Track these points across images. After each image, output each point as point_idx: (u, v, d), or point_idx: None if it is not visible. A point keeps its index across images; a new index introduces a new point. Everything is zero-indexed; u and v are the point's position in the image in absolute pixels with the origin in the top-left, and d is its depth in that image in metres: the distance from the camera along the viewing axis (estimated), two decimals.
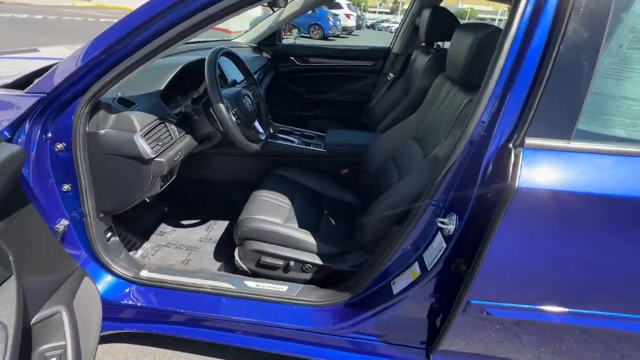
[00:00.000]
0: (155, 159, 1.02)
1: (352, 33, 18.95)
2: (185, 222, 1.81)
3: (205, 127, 1.25)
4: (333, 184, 1.72)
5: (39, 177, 1.00)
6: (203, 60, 1.24)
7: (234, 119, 1.17)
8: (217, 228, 1.79)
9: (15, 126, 0.86)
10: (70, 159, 0.97)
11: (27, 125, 0.89)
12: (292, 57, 2.53)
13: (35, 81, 0.87)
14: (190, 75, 1.47)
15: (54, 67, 0.87)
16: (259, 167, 1.78)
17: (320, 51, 2.54)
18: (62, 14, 11.77)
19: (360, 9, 27.41)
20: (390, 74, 2.42)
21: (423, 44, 2.16)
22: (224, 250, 1.62)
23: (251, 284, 1.24)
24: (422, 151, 1.32)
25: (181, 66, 1.26)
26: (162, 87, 1.14)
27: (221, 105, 1.09)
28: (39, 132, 0.92)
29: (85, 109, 0.90)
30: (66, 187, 1.02)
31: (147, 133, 1.01)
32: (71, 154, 0.96)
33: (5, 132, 0.85)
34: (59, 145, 0.95)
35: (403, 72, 2.30)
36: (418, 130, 1.44)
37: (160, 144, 1.04)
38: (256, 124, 1.39)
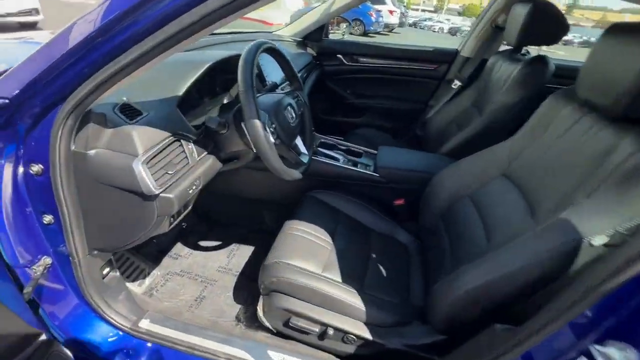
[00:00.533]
0: (161, 194, 0.74)
1: (394, 30, 18.22)
2: (204, 244, 1.55)
3: (234, 144, 0.96)
4: (383, 217, 1.39)
5: (14, 203, 0.75)
6: (238, 57, 0.94)
7: (272, 140, 0.86)
8: (240, 255, 1.52)
9: None
10: (49, 184, 0.71)
11: None
12: (340, 55, 2.19)
13: None
14: (221, 73, 1.19)
15: (24, 60, 0.60)
16: (295, 187, 1.47)
17: (373, 50, 2.18)
18: None
19: (404, 6, 26.38)
20: (456, 81, 2.03)
21: (505, 48, 1.75)
22: (246, 288, 1.34)
23: (276, 356, 0.94)
24: (524, 200, 0.94)
25: (208, 65, 0.97)
26: (182, 92, 0.85)
27: (257, 121, 0.79)
28: (5, 147, 0.67)
29: (67, 121, 0.63)
30: (47, 218, 0.77)
31: (153, 157, 0.73)
32: (50, 180, 0.70)
33: None
34: (35, 167, 0.69)
35: (473, 80, 1.90)
36: (513, 166, 1.06)
37: (170, 172, 0.76)
38: (298, 141, 1.08)
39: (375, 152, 1.63)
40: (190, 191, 0.82)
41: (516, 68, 1.46)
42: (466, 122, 1.72)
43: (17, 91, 0.58)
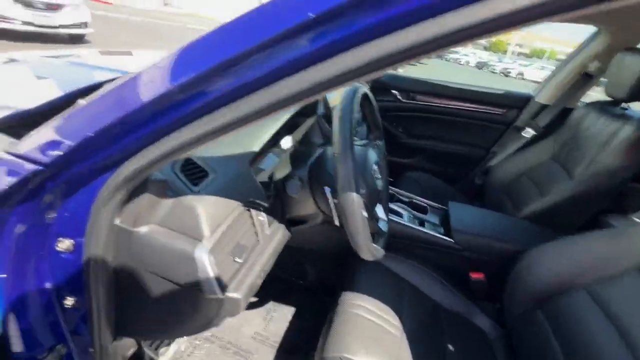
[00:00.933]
0: (228, 294, 0.54)
1: (421, 61, 18.33)
2: None
3: (306, 207, 0.77)
4: (456, 292, 1.15)
5: (31, 282, 0.57)
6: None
7: (365, 214, 0.66)
8: (278, 318, 1.29)
9: None
10: (79, 264, 0.53)
11: (6, 210, 0.46)
12: (395, 91, 2.03)
13: (30, 136, 0.43)
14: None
15: (70, 110, 0.43)
16: (345, 238, 1.26)
17: (433, 88, 2.00)
18: (161, 18, 12.85)
19: None
20: (528, 129, 1.80)
21: (597, 99, 1.52)
22: None
23: None
24: None
25: (295, 111, 0.79)
26: (259, 146, 0.67)
27: (354, 195, 0.60)
28: (29, 214, 0.49)
29: (117, 192, 0.45)
30: (70, 301, 0.58)
31: (220, 241, 0.53)
32: (81, 259, 0.52)
33: None
34: (65, 243, 0.52)
35: (552, 130, 1.67)
36: None
37: (239, 259, 0.56)
38: (378, 207, 0.88)
39: (443, 207, 1.41)
40: (259, 281, 0.62)
41: (624, 126, 1.22)
42: (546, 180, 1.48)
43: (55, 157, 0.41)
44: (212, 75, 0.36)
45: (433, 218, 1.34)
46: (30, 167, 0.43)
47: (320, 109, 1.06)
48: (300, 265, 1.45)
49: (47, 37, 5.42)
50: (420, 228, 1.23)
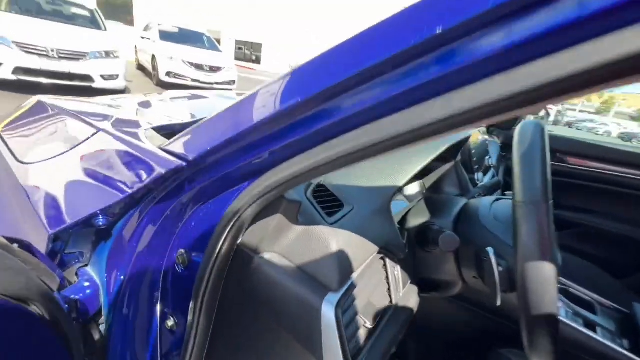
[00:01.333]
0: None
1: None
2: None
3: (443, 269, 0.59)
4: None
5: (143, 296, 0.54)
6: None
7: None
8: None
9: (123, 207, 0.42)
10: (190, 283, 0.47)
11: (142, 209, 0.43)
12: None
13: (178, 137, 0.41)
14: None
15: (218, 113, 0.39)
16: (463, 320, 0.97)
17: (593, 150, 1.61)
18: None
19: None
20: None
21: None
22: None
23: None
24: None
25: (451, 144, 0.67)
26: (403, 180, 0.55)
27: (549, 267, 0.40)
28: (160, 216, 0.46)
29: (250, 210, 0.38)
30: (171, 322, 0.52)
31: (351, 294, 0.40)
32: (194, 277, 0.45)
33: (100, 219, 0.40)
34: (184, 256, 0.46)
35: None
36: None
37: (369, 324, 0.42)
38: None
39: (621, 309, 1.00)
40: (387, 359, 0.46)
41: None
42: None
43: (199, 153, 0.37)
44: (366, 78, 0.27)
45: (606, 322, 0.95)
46: (175, 162, 0.40)
47: (459, 155, 0.89)
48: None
49: (204, 90, 6.93)
50: (592, 334, 0.86)
